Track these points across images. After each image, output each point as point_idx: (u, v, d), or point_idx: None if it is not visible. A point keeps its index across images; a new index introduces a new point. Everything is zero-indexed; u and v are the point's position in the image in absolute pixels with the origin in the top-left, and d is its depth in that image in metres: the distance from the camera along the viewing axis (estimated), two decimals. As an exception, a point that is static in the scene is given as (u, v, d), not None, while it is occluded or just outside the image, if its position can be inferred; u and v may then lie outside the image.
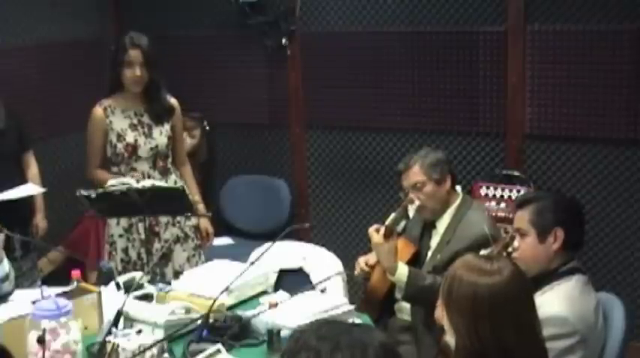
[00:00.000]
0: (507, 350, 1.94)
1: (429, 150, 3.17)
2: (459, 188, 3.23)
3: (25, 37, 4.55)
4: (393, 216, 3.00)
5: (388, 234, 2.95)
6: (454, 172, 3.21)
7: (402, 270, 2.94)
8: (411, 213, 3.11)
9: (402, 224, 3.01)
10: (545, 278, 2.44)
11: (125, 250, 3.69)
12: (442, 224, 3.11)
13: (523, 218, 2.53)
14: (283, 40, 4.67)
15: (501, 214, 4.05)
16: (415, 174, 3.08)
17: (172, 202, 3.27)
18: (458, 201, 3.12)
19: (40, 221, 3.96)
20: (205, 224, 3.85)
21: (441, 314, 2.59)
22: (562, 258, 2.50)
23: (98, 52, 5.01)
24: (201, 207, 3.80)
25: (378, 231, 2.98)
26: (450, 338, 2.40)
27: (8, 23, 4.42)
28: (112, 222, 3.70)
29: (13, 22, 4.45)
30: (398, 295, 3.03)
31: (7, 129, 3.76)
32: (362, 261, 3.18)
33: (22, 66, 4.51)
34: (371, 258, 3.15)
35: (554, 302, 2.08)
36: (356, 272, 3.20)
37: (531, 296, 2.07)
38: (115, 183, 3.23)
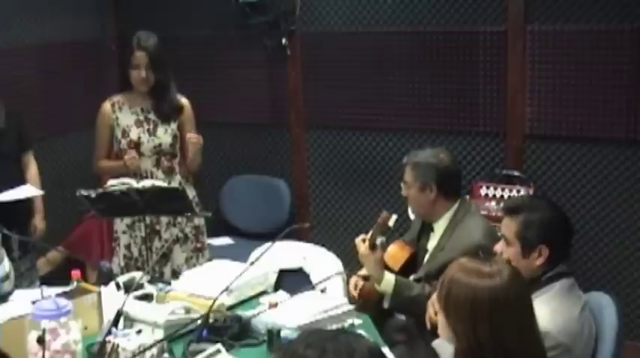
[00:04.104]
0: (508, 351, 1.93)
1: (428, 155, 3.09)
2: None
3: (25, 37, 4.55)
4: (372, 230, 2.99)
5: (372, 247, 2.96)
6: (448, 183, 3.06)
7: (389, 280, 2.94)
8: (391, 222, 3.07)
9: (380, 239, 3.00)
10: (529, 286, 2.41)
11: (128, 246, 3.74)
12: (439, 227, 3.09)
13: (510, 228, 2.47)
14: (283, 40, 4.67)
15: (501, 214, 4.04)
16: (406, 173, 3.11)
17: (172, 202, 3.28)
18: (456, 206, 3.08)
19: (39, 222, 3.95)
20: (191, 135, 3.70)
21: (433, 317, 2.59)
22: (546, 267, 2.45)
23: (98, 52, 5.01)
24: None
25: (364, 241, 2.99)
26: (440, 342, 2.41)
27: (8, 23, 4.42)
28: (117, 218, 3.73)
29: (13, 22, 4.45)
30: (385, 304, 3.02)
31: (6, 129, 3.76)
32: (352, 283, 3.16)
33: (22, 66, 4.51)
34: (362, 272, 3.15)
35: (537, 314, 2.07)
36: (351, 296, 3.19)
37: (530, 297, 2.06)
38: (115, 183, 3.23)
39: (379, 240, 2.97)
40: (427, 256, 3.11)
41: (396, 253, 3.15)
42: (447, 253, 2.94)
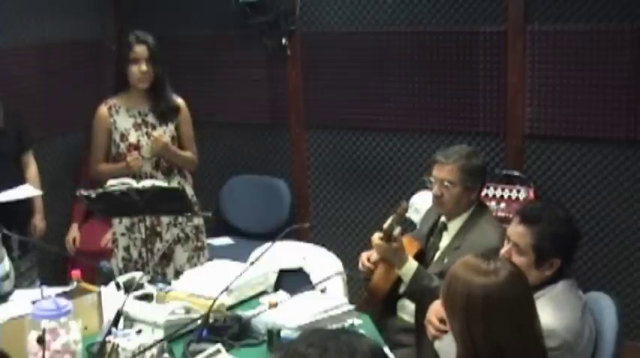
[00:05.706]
0: (502, 351, 1.93)
1: (472, 153, 3.07)
2: None
3: (25, 37, 4.55)
4: (390, 220, 2.97)
5: (387, 238, 2.94)
6: (485, 181, 3.14)
7: (411, 265, 2.93)
8: (409, 214, 3.08)
9: (398, 229, 2.98)
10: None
11: (127, 248, 3.72)
12: (454, 226, 3.08)
13: (524, 237, 2.41)
14: (283, 40, 4.67)
15: (501, 214, 4.05)
16: (449, 172, 3.00)
17: (172, 202, 3.28)
18: (473, 207, 3.06)
19: (39, 221, 3.95)
20: None
21: (434, 321, 2.58)
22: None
23: (98, 52, 5.01)
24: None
25: (381, 237, 2.97)
26: (441, 344, 2.40)
27: (8, 23, 4.41)
28: (115, 220, 3.73)
29: (13, 22, 4.45)
30: (401, 289, 3.02)
31: (6, 128, 3.76)
32: (364, 257, 3.16)
33: (22, 66, 4.51)
34: (373, 254, 3.12)
35: (540, 314, 2.07)
36: (360, 267, 3.19)
37: (530, 297, 2.05)
38: (115, 183, 3.23)
39: (397, 231, 2.95)
40: (438, 254, 3.10)
41: (405, 247, 3.14)
42: (462, 253, 2.90)
